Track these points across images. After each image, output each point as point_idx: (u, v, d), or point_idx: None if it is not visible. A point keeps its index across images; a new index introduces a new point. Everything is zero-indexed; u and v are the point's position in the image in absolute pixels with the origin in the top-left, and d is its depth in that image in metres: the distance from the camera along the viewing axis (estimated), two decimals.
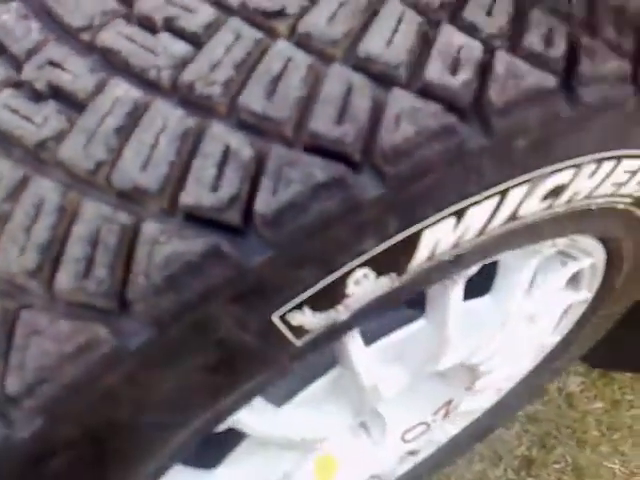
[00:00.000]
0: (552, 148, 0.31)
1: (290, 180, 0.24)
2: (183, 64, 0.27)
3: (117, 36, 0.28)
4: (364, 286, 0.30)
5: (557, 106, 0.29)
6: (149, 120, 0.26)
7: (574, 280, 0.58)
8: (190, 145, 0.25)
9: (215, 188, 0.24)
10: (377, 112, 0.26)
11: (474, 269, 0.39)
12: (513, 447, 0.98)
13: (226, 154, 0.25)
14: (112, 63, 0.28)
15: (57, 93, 0.27)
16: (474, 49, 0.28)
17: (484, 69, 0.28)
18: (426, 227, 0.29)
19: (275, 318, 0.28)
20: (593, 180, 0.35)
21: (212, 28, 0.28)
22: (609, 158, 0.34)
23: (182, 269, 0.24)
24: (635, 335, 1.00)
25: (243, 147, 0.25)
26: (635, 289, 0.65)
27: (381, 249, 0.28)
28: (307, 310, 0.28)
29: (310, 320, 0.29)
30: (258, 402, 0.38)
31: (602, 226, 0.42)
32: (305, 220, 0.25)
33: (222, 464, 0.43)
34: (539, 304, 0.53)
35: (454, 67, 0.28)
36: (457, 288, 0.41)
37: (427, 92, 0.27)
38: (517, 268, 0.45)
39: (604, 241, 0.50)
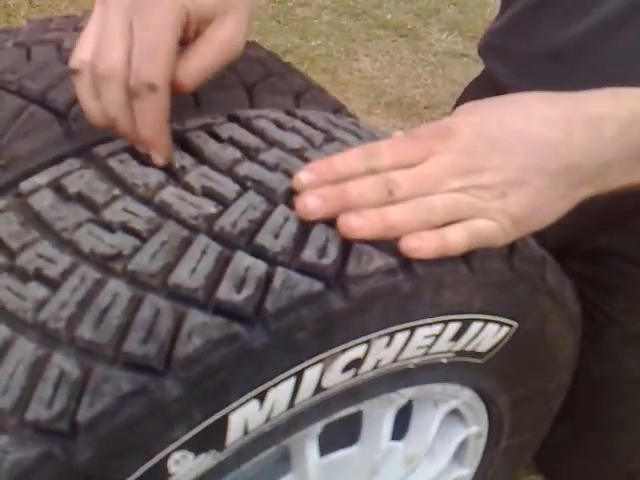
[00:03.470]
0: (334, 334, 0.40)
1: (103, 394, 0.33)
2: (42, 305, 0.37)
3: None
4: (186, 465, 0.37)
5: (329, 303, 0.39)
6: (12, 354, 0.35)
7: (459, 417, 0.64)
8: (37, 372, 0.34)
9: (50, 405, 0.33)
10: (176, 330, 0.35)
11: (315, 431, 0.47)
12: None
13: (61, 376, 0.34)
14: None
15: None
16: (259, 268, 0.38)
17: (265, 284, 0.38)
18: (231, 411, 0.37)
19: None
20: (393, 349, 0.44)
21: (67, 273, 0.39)
22: (400, 330, 0.43)
23: (22, 472, 0.32)
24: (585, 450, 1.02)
25: (73, 370, 0.34)
26: (525, 417, 0.70)
27: (192, 434, 0.36)
28: None
29: None
30: None
31: (431, 377, 0.50)
32: (116, 423, 0.33)
33: None
34: (419, 446, 0.59)
35: (240, 285, 0.37)
36: (312, 445, 0.48)
37: (217, 309, 0.37)
38: (377, 418, 0.53)
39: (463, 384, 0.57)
